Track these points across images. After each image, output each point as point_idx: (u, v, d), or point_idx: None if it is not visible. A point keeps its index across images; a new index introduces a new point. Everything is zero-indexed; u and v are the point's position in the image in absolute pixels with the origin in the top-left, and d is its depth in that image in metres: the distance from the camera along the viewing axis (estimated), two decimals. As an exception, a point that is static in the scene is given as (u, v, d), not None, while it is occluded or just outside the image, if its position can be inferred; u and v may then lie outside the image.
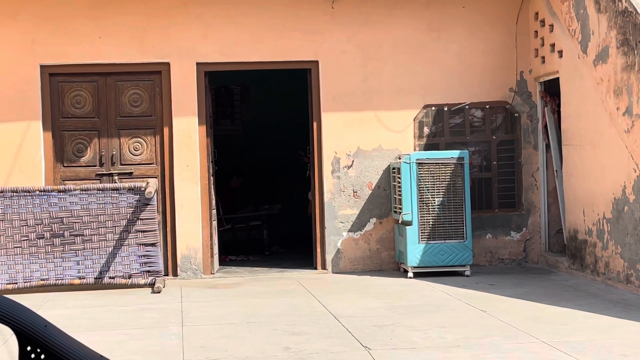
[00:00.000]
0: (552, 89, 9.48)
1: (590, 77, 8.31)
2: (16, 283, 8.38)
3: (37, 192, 8.43)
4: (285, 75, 10.68)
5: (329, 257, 9.46)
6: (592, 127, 8.37)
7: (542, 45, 9.43)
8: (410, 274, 8.86)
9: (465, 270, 8.92)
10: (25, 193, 8.40)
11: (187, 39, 9.29)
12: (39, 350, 1.89)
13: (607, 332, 5.98)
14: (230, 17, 9.36)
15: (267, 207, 12.17)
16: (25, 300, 7.71)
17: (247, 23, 9.38)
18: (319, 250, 9.54)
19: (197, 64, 9.33)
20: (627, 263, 7.77)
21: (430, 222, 8.90)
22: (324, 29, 9.47)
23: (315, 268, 9.55)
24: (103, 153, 9.30)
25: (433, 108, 9.61)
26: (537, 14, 9.52)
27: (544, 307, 7.02)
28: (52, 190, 8.46)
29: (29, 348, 1.89)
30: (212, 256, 9.42)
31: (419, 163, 8.88)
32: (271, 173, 13.37)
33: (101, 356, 1.91)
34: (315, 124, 9.53)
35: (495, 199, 9.70)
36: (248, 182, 12.82)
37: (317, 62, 9.48)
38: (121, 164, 9.33)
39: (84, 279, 8.47)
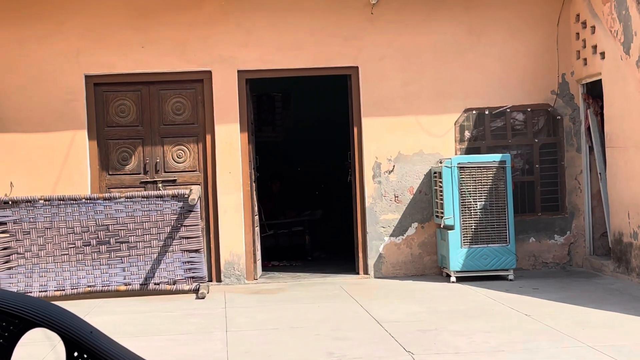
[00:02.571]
0: (594, 91, 9.35)
1: (633, 78, 8.18)
2: (64, 290, 8.48)
3: (84, 200, 8.53)
4: (326, 81, 10.67)
5: (371, 262, 9.43)
6: (636, 129, 8.23)
7: (584, 47, 9.31)
8: (452, 279, 8.79)
9: (508, 275, 8.82)
10: (72, 201, 8.50)
11: (228, 47, 9.34)
12: (85, 355, 1.90)
13: (654, 336, 5.87)
14: (271, 24, 9.39)
15: (308, 213, 12.17)
16: (73, 306, 7.79)
17: (287, 30, 9.40)
18: (360, 255, 9.51)
19: (239, 71, 9.37)
20: (674, 266, 7.62)
21: (473, 226, 8.82)
22: (364, 35, 9.45)
23: (358, 273, 9.52)
24: (147, 161, 9.38)
25: (474, 112, 9.53)
26: (578, 15, 9.40)
27: (589, 311, 6.91)
28: (97, 198, 8.55)
29: (75, 354, 1.90)
30: (255, 262, 9.44)
31: (461, 167, 8.81)
32: (312, 179, 13.37)
33: (147, 362, 1.91)
34: (355, 129, 9.52)
35: (538, 203, 9.58)
36: (289, 187, 12.84)
37: (357, 67, 9.47)
38: (165, 172, 9.40)
39: (130, 285, 8.55)
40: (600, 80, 9.03)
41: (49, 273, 8.50)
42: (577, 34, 9.46)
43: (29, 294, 7.68)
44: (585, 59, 9.31)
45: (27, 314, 1.85)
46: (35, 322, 1.86)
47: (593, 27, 9.05)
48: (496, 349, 5.60)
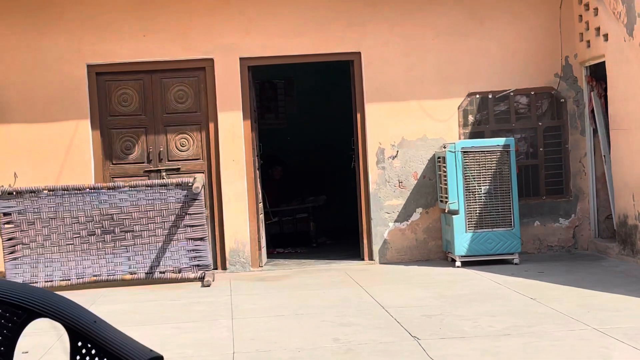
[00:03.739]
0: (598, 73, 9.31)
1: (637, 60, 8.14)
2: (69, 279, 8.50)
3: (88, 189, 8.53)
4: (329, 67, 10.64)
5: (375, 248, 9.43)
6: (640, 111, 8.19)
7: (587, 29, 9.26)
8: (457, 263, 8.79)
9: (513, 259, 8.82)
10: (76, 191, 8.51)
11: (230, 35, 9.32)
12: (89, 345, 1.90)
13: (660, 318, 5.86)
14: (272, 11, 9.36)
15: (312, 199, 12.16)
16: (79, 296, 7.82)
17: (289, 17, 9.37)
18: (365, 241, 9.51)
19: (241, 59, 9.35)
20: (680, 248, 7.61)
21: (477, 211, 8.81)
22: (366, 20, 9.41)
23: (362, 259, 9.53)
24: (150, 150, 9.38)
25: (477, 96, 9.51)
26: (581, -3, 9.34)
27: (594, 293, 6.90)
28: (101, 188, 8.55)
29: (79, 343, 1.90)
30: (260, 249, 9.45)
31: (464, 152, 8.79)
32: (316, 165, 13.36)
33: (151, 350, 1.91)
34: (359, 115, 9.50)
35: (543, 186, 9.57)
36: (293, 174, 12.83)
37: (359, 53, 9.44)
38: (168, 160, 9.40)
39: (135, 274, 8.56)
40: (603, 62, 8.99)
41: (54, 263, 8.52)
42: (580, 16, 9.41)
43: (34, 284, 7.69)
44: (588, 41, 9.27)
45: (31, 304, 1.85)
46: (39, 312, 1.86)
47: (596, 9, 9.01)
48: (502, 332, 5.60)
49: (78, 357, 1.89)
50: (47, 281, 8.42)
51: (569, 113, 9.58)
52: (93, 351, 1.90)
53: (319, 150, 13.17)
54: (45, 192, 8.48)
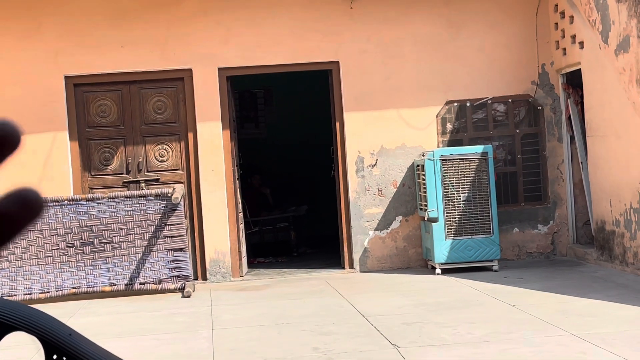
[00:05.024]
0: (574, 81, 9.40)
1: (612, 67, 8.23)
2: (48, 292, 8.46)
3: (66, 201, 8.50)
4: (308, 76, 10.67)
5: (356, 257, 9.45)
6: (616, 118, 8.29)
7: (563, 37, 9.35)
8: (437, 271, 8.82)
9: (493, 265, 8.87)
10: (55, 203, 8.47)
11: (208, 45, 9.33)
12: (64, 358, 1.90)
13: (637, 322, 5.92)
14: (250, 21, 9.38)
15: (293, 209, 12.17)
16: (58, 308, 7.79)
17: (266, 27, 9.40)
18: (346, 249, 9.54)
19: (219, 69, 9.36)
20: (656, 253, 7.68)
21: (456, 218, 8.86)
22: (344, 29, 9.46)
23: (343, 267, 9.54)
24: (129, 161, 9.36)
25: (455, 104, 9.57)
26: (556, 5, 9.44)
27: (573, 299, 6.96)
28: (80, 199, 8.52)
29: (55, 356, 1.90)
30: (240, 259, 9.44)
31: (443, 159, 8.84)
32: (297, 174, 13.37)
33: (126, 363, 1.92)
34: (338, 124, 9.53)
35: (521, 193, 9.63)
36: (272, 183, 12.83)
37: (337, 62, 9.47)
38: (147, 171, 9.38)
39: (115, 285, 8.53)
40: (579, 69, 9.08)
41: (33, 275, 8.47)
42: (556, 24, 9.50)
43: (13, 297, 7.64)
44: (564, 49, 9.36)
45: (3, 317, 1.85)
46: (12, 325, 1.86)
47: (571, 17, 9.10)
48: (481, 339, 5.63)
49: (53, 371, 1.89)
50: (26, 294, 8.37)
51: (546, 120, 9.66)
52: (68, 364, 1.90)
53: (299, 159, 13.18)
54: (24, 204, 8.42)
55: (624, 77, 8.00)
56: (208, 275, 9.27)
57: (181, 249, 8.60)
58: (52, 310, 7.67)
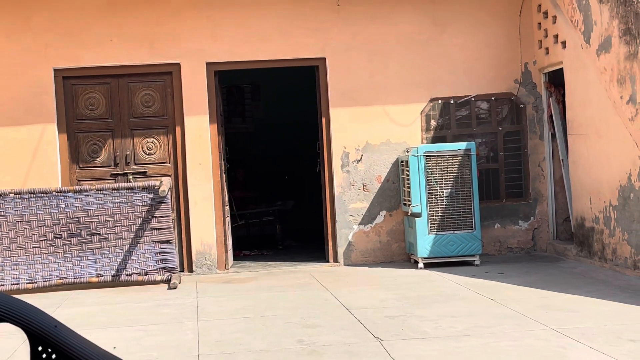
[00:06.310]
0: (556, 80, 9.41)
1: (593, 67, 8.24)
2: (36, 282, 8.39)
3: (54, 193, 8.43)
4: (295, 72, 10.64)
5: (340, 250, 9.43)
6: (596, 116, 8.30)
7: (546, 36, 9.36)
8: (420, 265, 8.82)
9: (474, 260, 8.87)
10: (43, 194, 8.40)
11: (196, 40, 9.27)
12: (49, 350, 1.86)
13: (616, 317, 5.93)
14: (239, 17, 9.33)
15: (280, 203, 12.14)
16: (45, 299, 7.73)
17: (255, 23, 9.35)
18: (330, 243, 9.51)
19: (207, 63, 9.30)
20: (634, 249, 7.71)
21: (439, 214, 8.85)
22: (331, 27, 9.42)
23: (327, 261, 9.53)
24: (117, 153, 9.29)
25: (439, 101, 9.56)
26: (539, 5, 9.44)
27: (553, 294, 6.97)
28: (68, 191, 8.45)
29: (40, 348, 1.87)
30: (226, 252, 9.40)
31: (427, 156, 8.83)
32: (284, 169, 13.33)
33: (112, 355, 1.88)
34: (324, 120, 9.50)
35: (503, 189, 9.64)
36: (259, 177, 12.79)
37: (324, 59, 9.44)
38: (135, 164, 9.32)
39: (102, 277, 8.48)
40: (561, 69, 9.09)
41: (21, 266, 8.40)
42: (539, 24, 9.51)
43: (0, 287, 7.56)
44: (547, 48, 9.37)
45: (-11, 309, 1.81)
46: (-2, 317, 1.82)
47: (554, 17, 9.10)
48: (462, 333, 5.62)
49: (38, 362, 1.86)
50: (13, 284, 8.30)
51: (528, 118, 9.67)
52: (53, 356, 1.87)
53: (286, 154, 13.15)
54: (12, 195, 8.37)
55: (605, 77, 8.01)
56: (194, 268, 9.22)
57: (168, 241, 8.55)
58: (40, 300, 7.63)
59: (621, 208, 7.91)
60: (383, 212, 9.48)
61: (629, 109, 7.60)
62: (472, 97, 9.59)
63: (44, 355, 1.87)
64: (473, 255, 8.88)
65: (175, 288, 8.24)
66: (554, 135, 9.53)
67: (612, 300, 6.53)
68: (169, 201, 8.60)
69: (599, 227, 8.38)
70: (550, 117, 9.50)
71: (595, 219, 8.46)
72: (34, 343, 1.85)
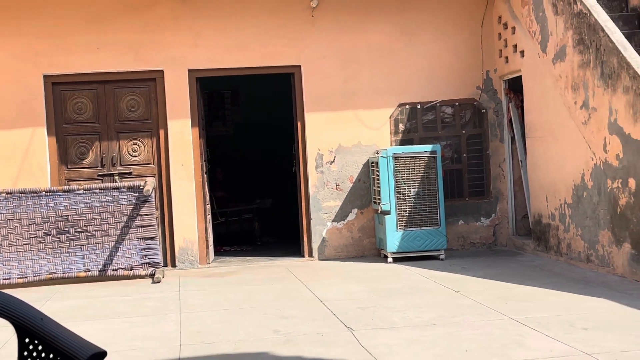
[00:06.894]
0: (515, 86, 9.48)
1: (550, 75, 8.31)
2: (26, 277, 8.31)
3: (44, 192, 8.36)
4: (273, 79, 10.63)
5: (315, 246, 9.44)
6: (552, 120, 8.37)
7: (506, 46, 9.42)
8: (389, 259, 8.85)
9: (440, 255, 8.92)
10: (33, 194, 8.33)
11: (179, 48, 9.24)
12: (36, 341, 1.86)
13: (570, 307, 5.98)
14: (219, 27, 9.31)
15: (258, 202, 12.13)
16: (35, 293, 7.67)
17: (234, 32, 9.33)
18: (305, 239, 9.52)
19: (189, 70, 9.27)
20: (587, 244, 7.79)
21: (407, 211, 8.89)
22: (306, 36, 9.43)
23: (303, 256, 9.53)
24: (104, 155, 9.24)
25: (407, 106, 9.59)
26: (500, 17, 9.51)
27: (512, 286, 7.02)
28: (57, 191, 8.39)
29: (27, 340, 1.86)
30: (207, 247, 9.38)
31: (395, 157, 8.86)
32: (262, 169, 13.32)
33: (95, 346, 1.88)
34: (299, 124, 9.50)
35: (466, 188, 9.70)
36: (238, 177, 12.76)
37: (299, 66, 9.44)
38: (121, 165, 9.27)
39: (89, 271, 8.42)
40: (520, 76, 9.15)
41: (12, 262, 8.32)
42: (500, 34, 9.57)
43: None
44: (506, 57, 9.43)
45: (-22, 303, 1.80)
46: (-13, 311, 1.81)
47: (513, 28, 9.17)
48: (428, 322, 5.65)
49: (25, 353, 1.85)
50: (4, 279, 8.22)
51: (490, 122, 9.73)
52: (40, 347, 1.86)
53: (264, 156, 13.14)
54: (3, 194, 8.29)
55: (560, 84, 8.08)
56: (177, 263, 9.19)
57: (152, 238, 8.50)
58: (30, 294, 7.56)
59: (575, 206, 7.99)
60: (355, 210, 9.50)
61: (582, 113, 7.68)
62: (438, 103, 9.64)
63: (31, 347, 1.86)
64: (438, 250, 8.93)
65: (159, 282, 8.20)
66: (513, 138, 9.60)
67: (567, 292, 6.59)
68: (153, 200, 8.56)
69: (554, 223, 8.46)
70: (510, 121, 9.58)
71: (551, 216, 8.53)
72: (21, 335, 1.85)
